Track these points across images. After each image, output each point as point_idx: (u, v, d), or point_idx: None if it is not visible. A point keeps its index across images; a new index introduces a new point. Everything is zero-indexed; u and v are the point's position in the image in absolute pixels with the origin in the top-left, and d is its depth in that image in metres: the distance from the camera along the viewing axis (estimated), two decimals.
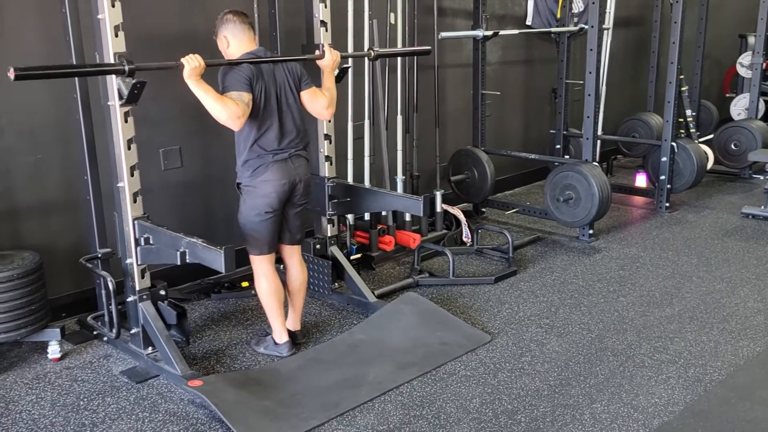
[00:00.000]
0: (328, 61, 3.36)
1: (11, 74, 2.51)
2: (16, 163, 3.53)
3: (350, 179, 4.48)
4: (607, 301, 3.94)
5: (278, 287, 3.31)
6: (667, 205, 5.59)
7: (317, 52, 3.42)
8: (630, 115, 6.77)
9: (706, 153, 5.89)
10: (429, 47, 4.29)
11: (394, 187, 4.76)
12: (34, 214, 3.62)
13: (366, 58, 4.11)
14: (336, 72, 3.45)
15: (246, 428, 2.71)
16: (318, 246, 3.87)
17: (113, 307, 3.31)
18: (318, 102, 3.28)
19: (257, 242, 3.21)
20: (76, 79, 3.28)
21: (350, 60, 4.26)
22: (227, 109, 2.91)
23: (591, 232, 4.95)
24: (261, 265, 3.26)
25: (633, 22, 7.23)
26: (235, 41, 3.16)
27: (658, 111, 6.46)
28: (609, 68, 6.50)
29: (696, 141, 6.18)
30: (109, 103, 3.05)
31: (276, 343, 3.33)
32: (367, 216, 4.55)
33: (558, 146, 6.10)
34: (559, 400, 2.96)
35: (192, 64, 2.88)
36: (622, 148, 7.00)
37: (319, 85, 3.35)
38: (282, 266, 3.48)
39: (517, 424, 2.79)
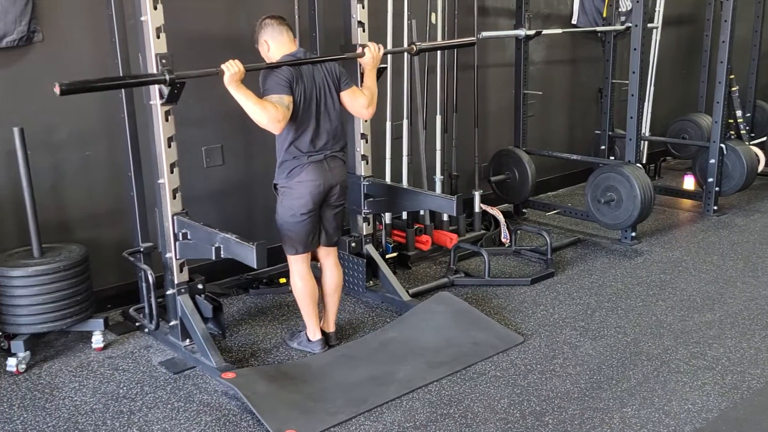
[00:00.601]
0: (369, 58, 3.37)
1: (57, 90, 2.63)
2: (66, 159, 3.68)
3: (388, 179, 4.51)
4: (645, 305, 3.87)
5: (313, 287, 3.36)
6: (715, 208, 5.45)
7: (359, 50, 3.44)
8: (680, 115, 6.62)
9: (757, 155, 5.71)
10: (474, 39, 4.27)
11: (432, 187, 4.77)
12: (81, 208, 3.76)
13: (407, 54, 4.13)
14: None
15: (275, 420, 2.77)
16: (353, 244, 3.92)
17: (153, 300, 3.42)
18: (358, 101, 3.30)
19: (292, 242, 3.26)
20: (117, 77, 3.39)
21: (389, 60, 4.30)
22: (267, 113, 2.96)
23: (633, 234, 4.86)
24: (296, 265, 3.31)
25: (685, 20, 7.06)
26: (275, 44, 3.21)
27: (709, 112, 6.30)
28: (658, 67, 6.37)
29: (747, 143, 6.00)
30: (150, 102, 3.15)
31: (309, 340, 3.38)
32: (404, 215, 4.58)
33: (603, 147, 6.00)
34: (588, 403, 2.93)
35: (232, 70, 2.94)
36: (671, 149, 6.84)
37: (357, 84, 3.39)
38: (318, 264, 3.52)
39: (545, 426, 2.78)
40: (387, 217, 4.49)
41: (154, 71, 3.03)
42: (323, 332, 3.43)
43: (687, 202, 5.81)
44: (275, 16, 3.26)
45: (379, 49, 3.41)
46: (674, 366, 3.21)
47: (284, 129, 3.09)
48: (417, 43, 3.80)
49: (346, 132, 3.42)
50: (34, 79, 3.50)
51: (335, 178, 3.25)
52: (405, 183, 4.56)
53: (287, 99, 3.03)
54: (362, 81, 3.44)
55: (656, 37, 6.28)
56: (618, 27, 5.69)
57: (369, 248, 3.94)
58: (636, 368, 3.20)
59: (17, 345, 3.25)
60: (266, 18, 3.25)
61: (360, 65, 3.48)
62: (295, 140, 3.15)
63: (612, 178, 4.70)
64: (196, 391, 3.08)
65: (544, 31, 5.30)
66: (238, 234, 2.94)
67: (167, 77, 2.95)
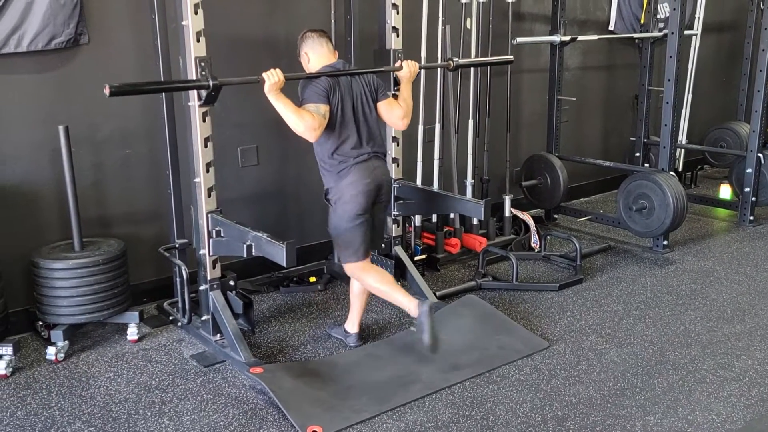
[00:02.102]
0: (406, 72, 3.45)
1: (106, 91, 2.75)
2: (108, 157, 3.81)
3: (419, 182, 4.56)
4: (674, 314, 3.85)
5: (383, 273, 3.38)
6: (751, 218, 5.38)
7: (397, 64, 3.51)
8: (719, 123, 6.53)
9: None
10: (511, 57, 4.30)
11: (463, 191, 4.81)
12: (121, 204, 3.89)
13: (445, 69, 4.17)
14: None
15: (300, 416, 2.84)
16: (383, 245, 3.97)
17: (186, 295, 3.53)
18: (394, 112, 3.37)
19: (352, 248, 3.27)
20: (162, 80, 3.52)
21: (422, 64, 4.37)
22: (304, 121, 3.05)
23: (665, 243, 4.83)
24: (358, 270, 3.33)
25: (726, 27, 6.96)
26: (315, 55, 3.30)
27: (748, 120, 6.21)
28: (697, 75, 6.31)
29: None
30: (189, 103, 3.25)
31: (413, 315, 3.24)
32: (434, 218, 4.62)
33: (637, 154, 5.96)
34: (611, 410, 2.94)
35: (272, 79, 3.03)
36: (709, 157, 6.76)
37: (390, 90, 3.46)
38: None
39: (566, 431, 2.80)
40: (417, 220, 4.54)
41: (194, 74, 3.14)
42: (351, 331, 3.51)
43: (723, 212, 5.74)
44: (316, 30, 3.36)
45: (415, 64, 3.47)
46: (700, 376, 3.20)
47: (323, 138, 3.17)
48: (454, 59, 3.84)
49: (384, 139, 3.46)
50: (79, 79, 3.64)
51: (381, 175, 3.31)
52: (436, 186, 4.61)
53: (324, 108, 3.12)
54: (398, 91, 3.50)
55: (695, 44, 6.22)
56: (656, 34, 5.64)
57: (398, 250, 3.99)
58: (661, 377, 3.20)
59: (57, 334, 3.39)
60: (307, 31, 3.35)
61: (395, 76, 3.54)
62: (338, 148, 3.22)
63: (644, 186, 4.67)
64: (225, 384, 3.17)
65: (580, 38, 5.28)
66: (270, 233, 3.02)
67: (210, 83, 3.06)
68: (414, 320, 3.22)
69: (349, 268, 3.35)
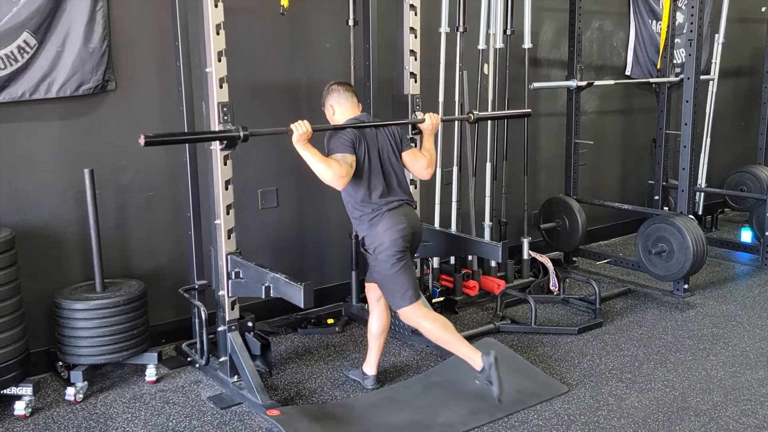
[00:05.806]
0: (428, 125, 3.53)
1: (141, 141, 2.87)
2: (131, 199, 3.89)
3: (437, 224, 4.58)
4: (695, 359, 3.80)
5: (443, 318, 3.37)
6: None
7: (420, 116, 3.59)
8: (739, 167, 6.51)
9: None
10: (529, 110, 4.36)
11: (481, 233, 4.82)
12: (142, 246, 3.95)
13: (466, 122, 4.26)
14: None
15: None
16: None
17: (205, 336, 3.55)
18: (418, 162, 3.44)
19: (400, 291, 3.26)
20: (185, 125, 3.60)
21: (440, 109, 4.44)
22: (331, 170, 3.11)
23: (686, 286, 4.79)
24: (414, 315, 3.30)
25: (744, 72, 7.00)
26: (340, 109, 3.39)
27: None
28: (715, 119, 6.33)
29: None
30: (211, 147, 3.32)
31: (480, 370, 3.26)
32: (452, 260, 4.63)
33: (656, 197, 5.95)
34: None
35: (300, 130, 3.12)
36: (729, 201, 6.72)
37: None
38: (366, 306, 3.58)
39: None
40: (435, 262, 4.55)
41: (217, 118, 3.22)
42: (369, 373, 3.50)
43: (744, 256, 5.68)
44: (342, 83, 3.45)
45: (437, 117, 3.56)
46: (723, 423, 3.14)
47: (352, 187, 3.24)
48: (475, 112, 3.94)
49: (409, 186, 3.52)
50: (105, 124, 3.74)
51: (414, 222, 3.35)
52: (453, 228, 4.62)
53: (350, 158, 3.19)
54: (421, 143, 3.57)
55: (713, 88, 6.26)
56: (672, 78, 5.68)
57: None
58: (683, 423, 3.14)
59: (76, 375, 3.41)
60: (333, 84, 3.44)
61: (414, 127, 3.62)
62: (368, 197, 3.27)
63: (663, 229, 4.66)
64: (242, 426, 3.16)
65: (596, 82, 5.34)
66: (288, 274, 3.05)
67: (241, 134, 3.14)
68: (478, 373, 3.23)
69: (404, 314, 3.30)
